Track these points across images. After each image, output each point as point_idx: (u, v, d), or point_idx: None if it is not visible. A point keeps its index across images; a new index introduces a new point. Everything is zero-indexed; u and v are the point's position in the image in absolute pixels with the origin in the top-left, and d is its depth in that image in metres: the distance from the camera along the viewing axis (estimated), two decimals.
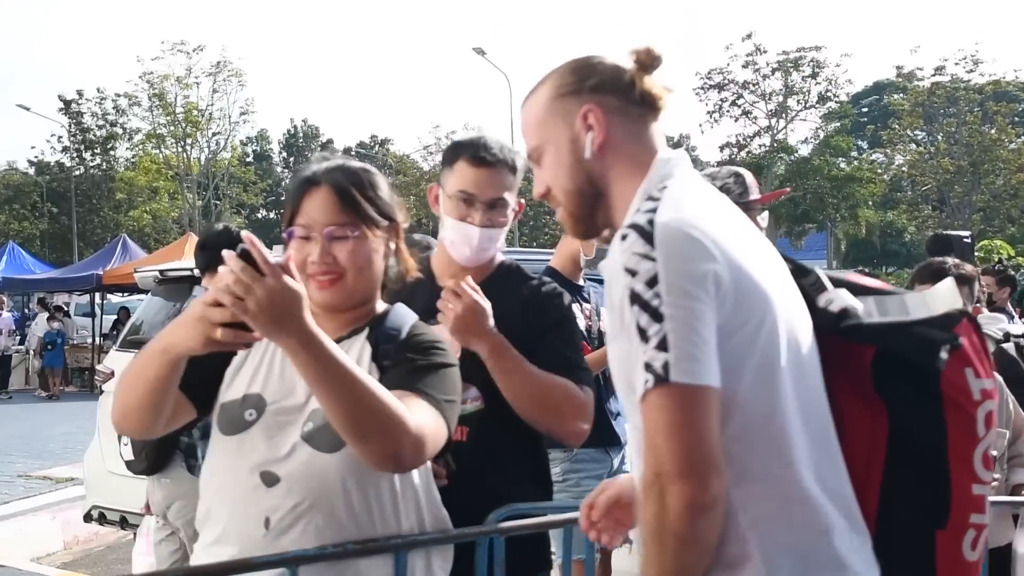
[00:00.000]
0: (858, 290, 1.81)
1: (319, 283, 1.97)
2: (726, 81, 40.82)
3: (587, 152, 1.70)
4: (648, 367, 1.46)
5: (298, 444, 1.89)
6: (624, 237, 1.53)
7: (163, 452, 3.77)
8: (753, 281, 1.57)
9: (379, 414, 1.70)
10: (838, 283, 1.83)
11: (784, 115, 41.06)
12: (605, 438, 4.00)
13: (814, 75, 40.56)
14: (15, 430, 13.40)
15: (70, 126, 43.46)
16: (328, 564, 1.85)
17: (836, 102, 41.70)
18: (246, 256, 1.62)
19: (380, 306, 2.09)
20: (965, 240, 8.41)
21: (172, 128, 41.39)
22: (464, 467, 2.23)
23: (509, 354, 2.38)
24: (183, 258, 15.32)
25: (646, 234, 1.51)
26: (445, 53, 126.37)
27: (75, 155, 44.25)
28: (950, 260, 3.74)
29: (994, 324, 4.87)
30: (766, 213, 2.94)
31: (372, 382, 1.72)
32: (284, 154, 64.06)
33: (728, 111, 40.97)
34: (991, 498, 2.97)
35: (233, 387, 1.99)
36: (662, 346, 1.46)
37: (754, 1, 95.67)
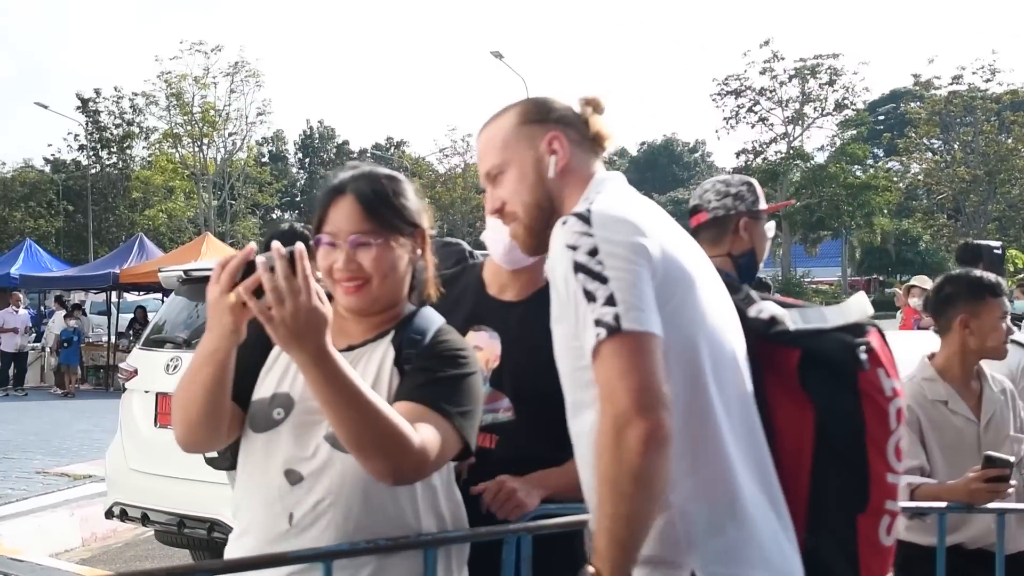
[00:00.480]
0: (781, 305, 2.06)
1: (345, 289, 2.01)
2: (743, 87, 40.80)
3: (551, 172, 1.93)
4: (598, 322, 1.64)
5: (321, 444, 1.94)
6: (564, 223, 1.73)
7: None
8: (679, 264, 1.77)
9: (383, 435, 1.75)
10: (764, 299, 2.10)
11: (800, 122, 40.97)
12: None
13: (831, 82, 40.48)
14: (32, 427, 13.44)
15: (87, 124, 43.73)
16: (349, 559, 1.91)
17: (853, 110, 41.59)
18: (292, 262, 1.65)
19: (407, 308, 2.12)
20: (996, 251, 8.36)
21: (189, 128, 41.54)
22: (493, 472, 2.26)
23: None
24: (200, 258, 15.44)
25: (584, 218, 1.72)
26: (462, 56, 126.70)
27: (91, 153, 44.48)
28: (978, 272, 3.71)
29: None
30: (773, 223, 2.95)
31: (379, 402, 1.76)
32: (300, 155, 64.24)
33: (745, 117, 40.95)
34: (1010, 505, 3.09)
35: (263, 386, 2.04)
36: (610, 302, 1.63)
37: (772, 8, 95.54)
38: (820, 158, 40.53)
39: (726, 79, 41.04)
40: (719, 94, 41.03)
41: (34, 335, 21.90)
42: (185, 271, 6.92)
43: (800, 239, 43.05)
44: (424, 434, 1.83)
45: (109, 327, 20.87)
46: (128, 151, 44.39)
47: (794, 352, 1.94)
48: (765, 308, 2.04)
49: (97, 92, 43.79)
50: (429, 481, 2.00)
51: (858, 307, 2.02)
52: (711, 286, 1.86)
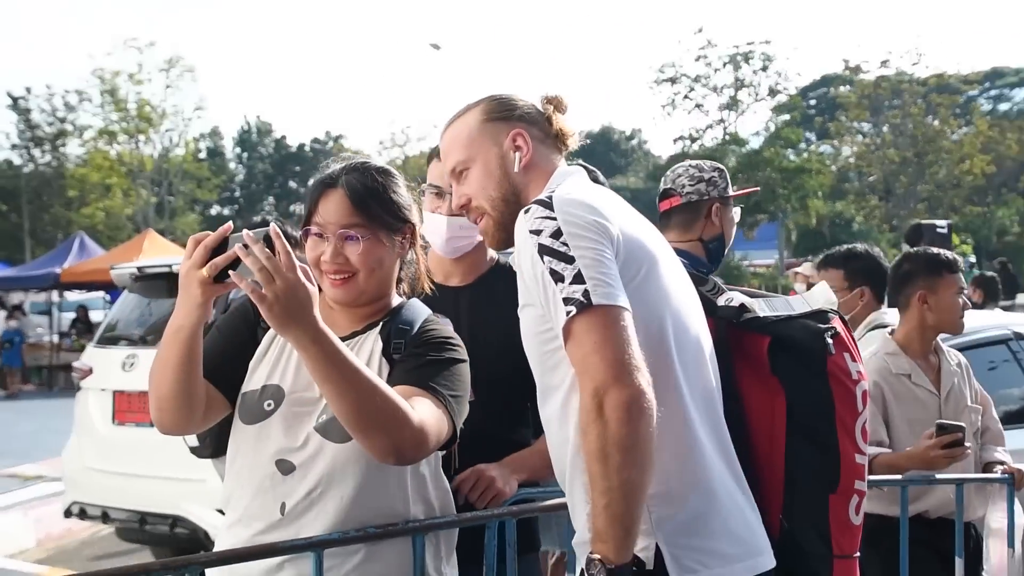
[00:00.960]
0: (747, 295, 2.15)
1: (332, 281, 2.03)
2: (678, 75, 41.16)
3: (516, 166, 1.99)
4: (568, 300, 1.66)
5: (311, 434, 1.96)
6: (527, 211, 1.79)
7: (226, 435, 3.94)
8: (640, 243, 1.82)
9: (382, 410, 1.76)
10: (731, 290, 2.19)
11: (735, 108, 41.48)
12: None
13: (764, 68, 41.03)
14: None
15: (18, 123, 42.80)
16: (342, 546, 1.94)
17: (786, 95, 42.18)
18: (269, 244, 1.69)
19: (395, 300, 2.16)
20: (940, 230, 8.98)
21: (124, 124, 40.87)
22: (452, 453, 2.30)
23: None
24: (142, 255, 15.35)
25: (545, 204, 1.77)
26: (400, 48, 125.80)
27: (24, 152, 43.56)
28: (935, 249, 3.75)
29: None
30: (739, 208, 3.04)
31: (377, 379, 1.79)
32: (238, 150, 63.52)
33: (680, 104, 41.33)
34: (968, 475, 3.25)
35: (253, 378, 2.06)
36: (578, 279, 1.66)
37: None
38: (755, 143, 41.03)
39: (661, 67, 41.38)
40: (655, 82, 41.35)
41: None
42: (139, 268, 6.90)
43: (738, 223, 43.35)
44: (421, 411, 1.85)
45: (51, 327, 20.62)
46: (62, 149, 43.54)
47: (764, 339, 1.99)
48: (735, 297, 2.11)
49: (28, 90, 42.89)
50: (418, 469, 2.02)
51: (822, 296, 2.10)
52: (672, 269, 1.90)
